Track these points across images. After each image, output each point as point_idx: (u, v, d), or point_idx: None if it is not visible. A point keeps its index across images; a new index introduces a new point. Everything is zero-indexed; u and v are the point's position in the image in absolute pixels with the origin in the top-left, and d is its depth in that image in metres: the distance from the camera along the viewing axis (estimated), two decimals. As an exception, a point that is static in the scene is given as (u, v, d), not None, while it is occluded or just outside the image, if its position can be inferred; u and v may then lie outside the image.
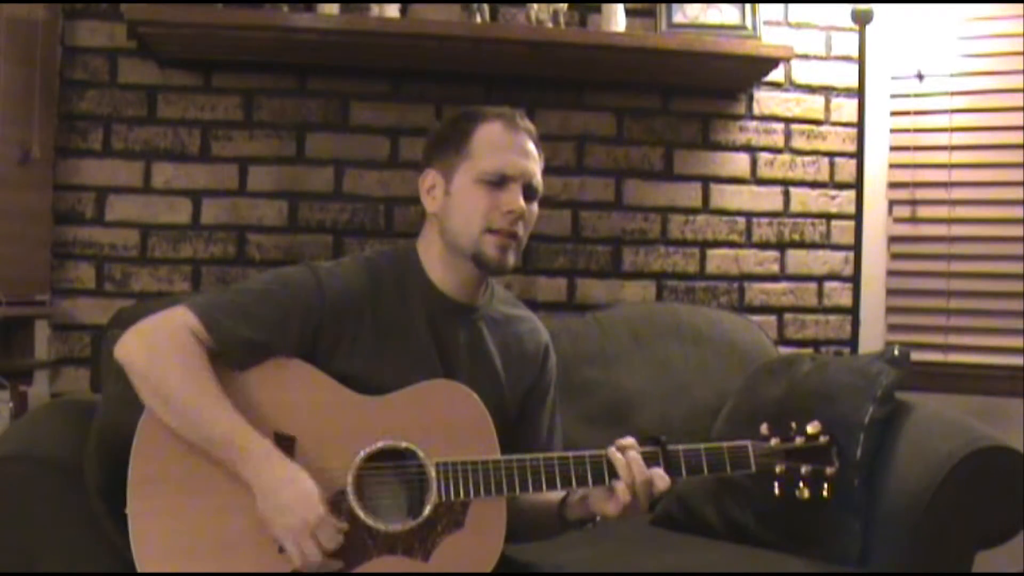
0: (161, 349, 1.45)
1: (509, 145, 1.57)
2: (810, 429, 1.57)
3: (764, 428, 1.59)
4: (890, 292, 2.88)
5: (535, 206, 1.60)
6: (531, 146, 1.60)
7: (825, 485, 1.54)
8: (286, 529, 1.38)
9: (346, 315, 1.54)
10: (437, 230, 1.61)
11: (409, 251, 1.64)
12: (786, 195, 2.88)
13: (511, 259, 1.58)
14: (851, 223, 2.67)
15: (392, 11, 2.54)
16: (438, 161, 1.61)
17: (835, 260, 2.90)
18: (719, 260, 2.85)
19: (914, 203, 2.88)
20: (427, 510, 1.45)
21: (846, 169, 2.88)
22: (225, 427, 1.41)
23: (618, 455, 1.49)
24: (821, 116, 2.90)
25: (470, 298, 1.63)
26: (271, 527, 1.39)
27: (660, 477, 1.48)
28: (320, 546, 1.38)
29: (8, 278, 2.35)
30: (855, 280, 2.59)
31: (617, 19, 2.61)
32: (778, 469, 1.55)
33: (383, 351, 1.55)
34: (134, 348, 1.47)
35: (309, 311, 1.51)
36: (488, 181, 1.55)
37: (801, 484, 1.54)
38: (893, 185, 2.89)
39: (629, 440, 1.52)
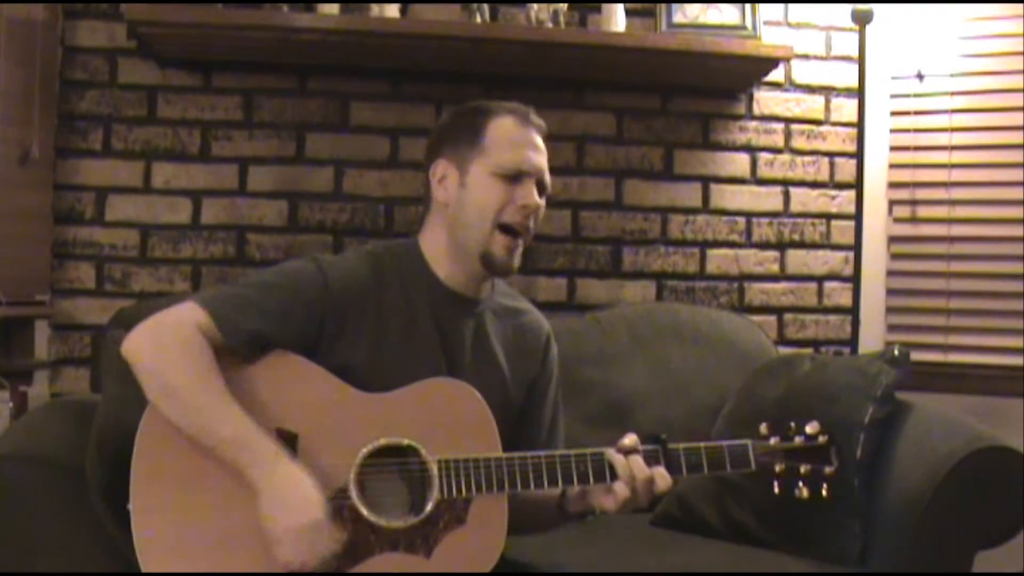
0: (168, 346, 1.45)
1: (523, 141, 1.59)
2: (809, 429, 1.59)
3: (764, 427, 1.60)
4: (890, 292, 2.88)
5: (543, 202, 1.62)
6: (541, 142, 1.62)
7: (824, 485, 1.55)
8: (284, 530, 1.37)
9: (350, 306, 1.54)
10: (444, 223, 1.61)
11: (411, 246, 1.65)
12: (786, 195, 2.88)
13: (517, 261, 1.59)
14: (851, 223, 2.67)
15: (392, 11, 2.54)
16: (449, 152, 1.61)
17: (835, 260, 2.90)
18: (719, 260, 2.85)
19: (914, 203, 2.88)
20: (429, 507, 1.45)
21: (846, 169, 2.88)
22: (233, 429, 1.41)
23: (618, 456, 1.49)
24: (821, 116, 2.90)
25: (475, 292, 1.64)
26: (271, 528, 1.38)
27: (661, 476, 1.49)
28: (314, 552, 1.38)
29: (8, 278, 2.35)
30: (855, 280, 2.59)
31: (617, 19, 2.61)
32: (777, 468, 1.56)
33: (386, 343, 1.55)
34: (141, 345, 1.46)
35: (313, 302, 1.52)
36: (504, 175, 1.56)
37: (800, 484, 1.55)
38: (893, 185, 2.89)
39: (629, 440, 1.52)
